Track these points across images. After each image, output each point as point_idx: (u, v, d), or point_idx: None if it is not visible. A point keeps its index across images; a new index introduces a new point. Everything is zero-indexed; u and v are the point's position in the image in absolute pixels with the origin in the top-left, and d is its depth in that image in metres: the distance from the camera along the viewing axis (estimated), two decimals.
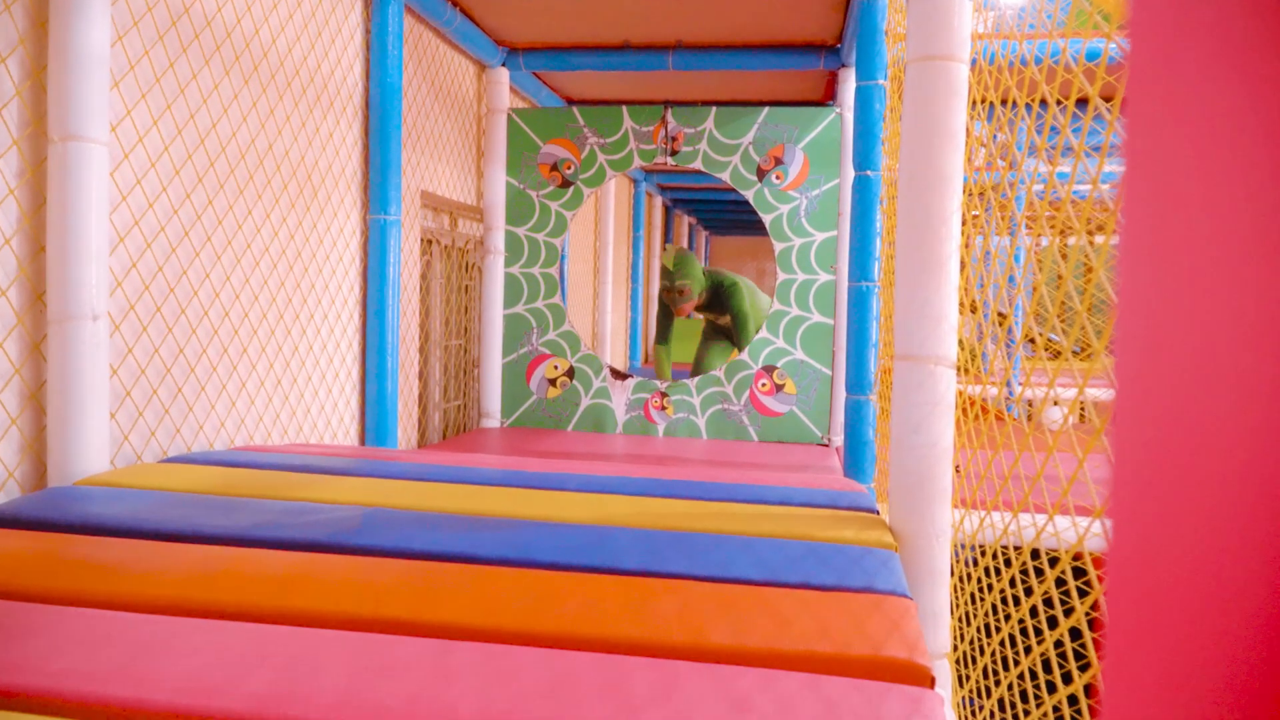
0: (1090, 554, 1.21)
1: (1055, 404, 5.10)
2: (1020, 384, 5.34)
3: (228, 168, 2.36)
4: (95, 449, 1.80)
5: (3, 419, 1.74)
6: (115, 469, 1.87)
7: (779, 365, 3.80)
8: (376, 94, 3.04)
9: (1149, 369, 0.37)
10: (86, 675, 1.00)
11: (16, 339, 1.76)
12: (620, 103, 4.87)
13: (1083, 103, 4.15)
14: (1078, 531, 1.54)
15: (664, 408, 3.92)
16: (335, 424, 2.98)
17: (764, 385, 3.82)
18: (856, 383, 3.04)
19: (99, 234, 1.78)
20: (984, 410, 1.87)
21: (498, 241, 4.00)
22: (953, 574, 1.75)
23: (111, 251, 1.94)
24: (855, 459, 3.02)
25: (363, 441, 3.13)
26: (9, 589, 1.26)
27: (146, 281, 2.07)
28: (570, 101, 5.16)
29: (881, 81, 2.90)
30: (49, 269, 1.76)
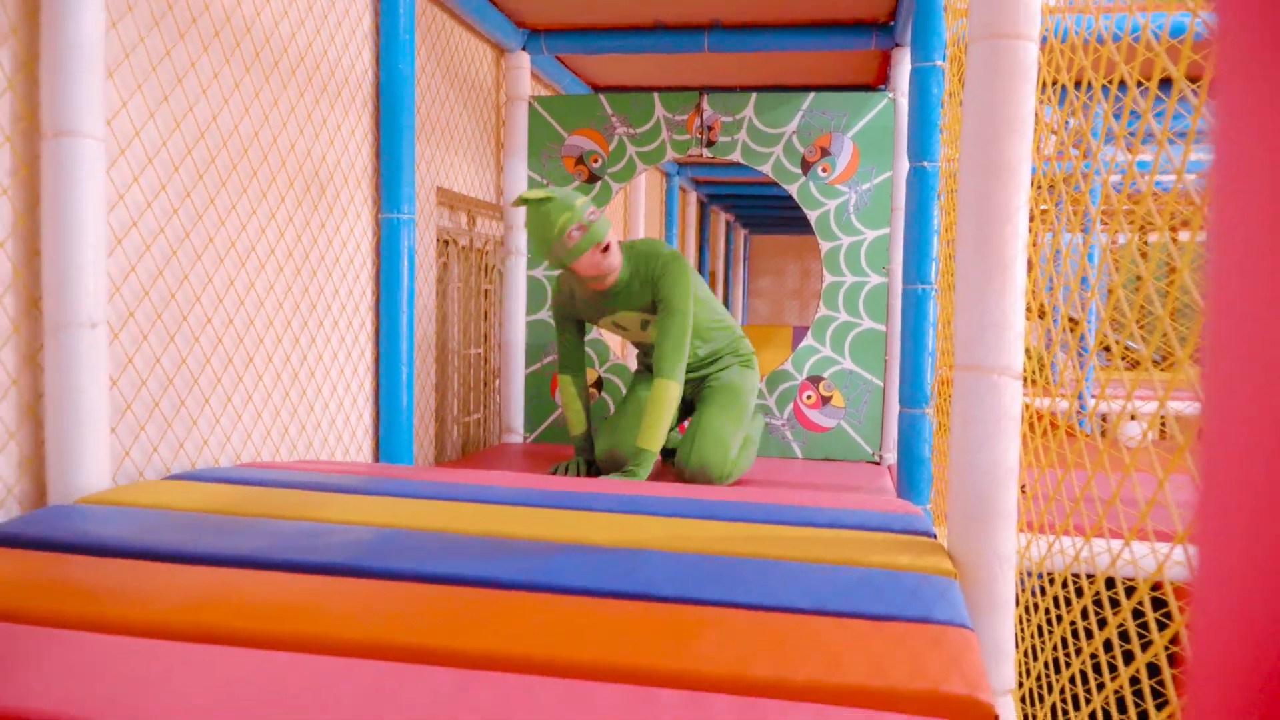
0: (1171, 584, 1.21)
1: (1133, 418, 5.06)
2: (1094, 396, 5.30)
3: (230, 164, 2.40)
4: (96, 465, 1.85)
5: (0, 434, 1.79)
6: (117, 486, 1.91)
7: (826, 375, 3.81)
8: (387, 82, 3.09)
9: (1240, 380, 0.36)
10: (84, 701, 1.04)
11: (13, 348, 1.81)
12: (652, 89, 4.89)
13: (1166, 84, 4.13)
14: (1157, 559, 1.54)
15: None
16: (347, 439, 3.02)
17: (809, 398, 3.82)
18: (911, 395, 3.04)
19: (96, 235, 1.83)
20: (1053, 425, 1.87)
21: (519, 241, 4.04)
22: (1018, 604, 1.75)
23: (110, 254, 1.99)
24: (910, 478, 3.02)
25: (376, 458, 3.17)
26: (6, 611, 1.30)
27: (146, 286, 2.12)
28: (597, 88, 5.19)
29: (940, 63, 2.90)
30: (45, 273, 1.81)
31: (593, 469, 3.25)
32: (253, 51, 2.49)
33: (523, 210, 4.01)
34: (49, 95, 1.79)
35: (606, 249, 2.90)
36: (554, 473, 3.14)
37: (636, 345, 3.40)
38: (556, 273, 4.03)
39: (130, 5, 2.06)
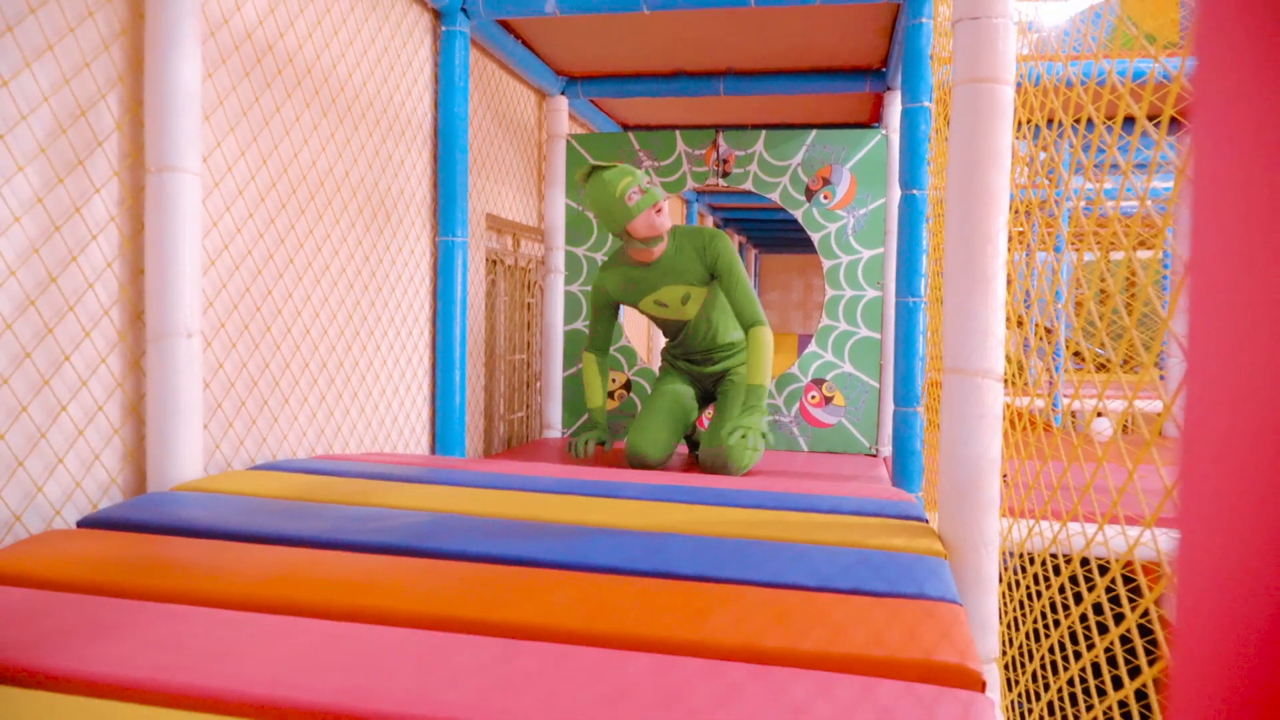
0: (1140, 563, 1.18)
1: (1100, 415, 5.00)
2: (1066, 396, 5.24)
3: (308, 194, 2.40)
4: (190, 457, 1.85)
5: (106, 429, 1.79)
6: (208, 475, 1.91)
7: (828, 378, 3.77)
8: (444, 123, 3.09)
9: (1220, 376, 0.36)
10: (176, 668, 1.03)
11: (119, 355, 1.82)
12: (673, 127, 4.87)
13: (1129, 122, 4.07)
14: (1127, 540, 1.51)
15: None
16: (407, 433, 3.02)
17: (813, 397, 3.79)
18: (904, 395, 3.01)
19: (193, 258, 1.83)
20: (1031, 422, 1.84)
21: (558, 261, 4.03)
22: (1001, 581, 1.72)
23: (204, 273, 1.99)
24: (903, 469, 2.98)
25: (432, 450, 3.16)
26: (109, 587, 1.29)
27: (235, 301, 2.12)
28: (626, 126, 5.18)
29: (927, 104, 2.87)
30: (147, 290, 1.82)
31: (603, 444, 3.15)
32: (329, 97, 2.49)
33: (561, 232, 4.00)
34: (153, 135, 1.79)
35: (659, 210, 2.85)
36: (570, 449, 3.07)
37: (670, 327, 3.20)
38: (590, 283, 4.02)
39: (224, 58, 2.07)
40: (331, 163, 2.52)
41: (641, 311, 3.11)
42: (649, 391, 3.94)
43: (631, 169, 2.87)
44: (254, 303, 2.19)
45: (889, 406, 3.64)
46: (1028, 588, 1.71)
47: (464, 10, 3.08)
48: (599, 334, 3.20)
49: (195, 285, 1.84)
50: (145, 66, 1.80)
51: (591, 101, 4.58)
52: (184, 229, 1.81)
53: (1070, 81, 1.50)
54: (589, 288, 4.01)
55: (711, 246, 2.93)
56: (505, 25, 3.38)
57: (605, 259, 3.19)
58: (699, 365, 3.26)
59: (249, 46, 2.16)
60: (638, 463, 3.09)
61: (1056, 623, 1.60)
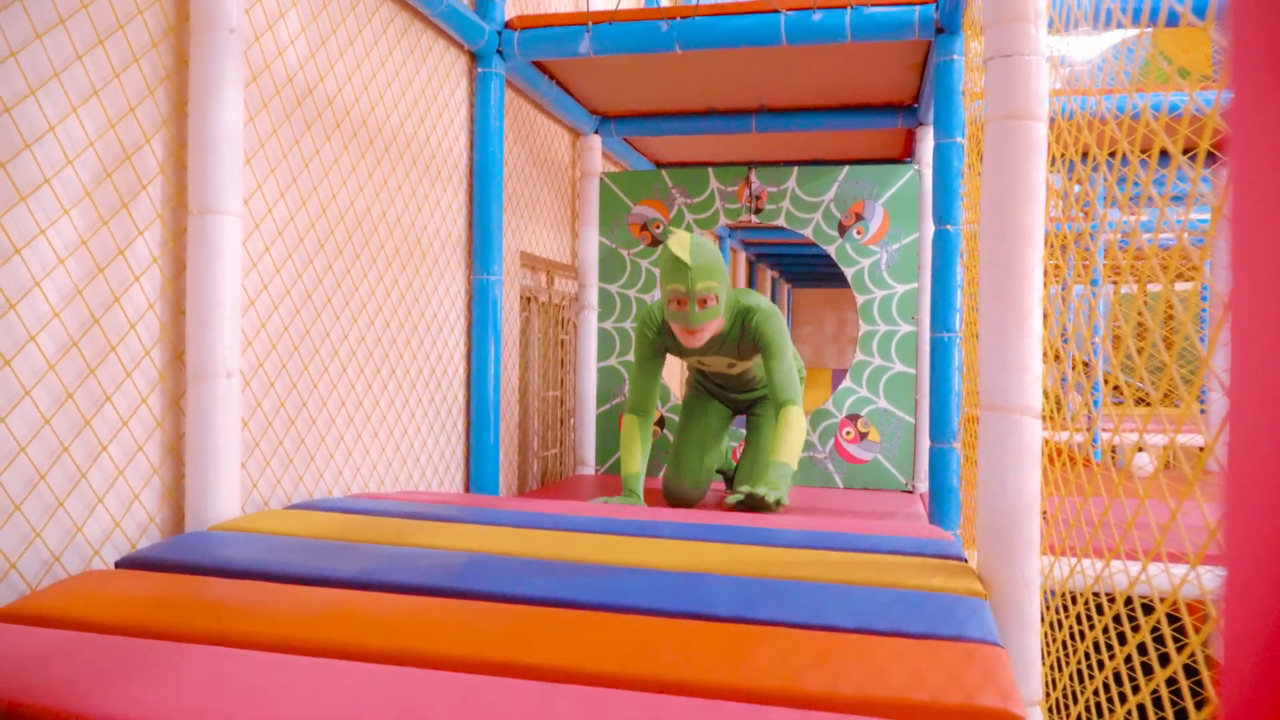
0: (1184, 601, 1.15)
1: (1140, 450, 4.91)
2: (1104, 430, 5.16)
3: (346, 234, 2.44)
4: (228, 496, 1.86)
5: (146, 469, 1.81)
6: (245, 515, 1.92)
7: (863, 414, 3.74)
8: (480, 162, 3.12)
9: (1263, 413, 0.35)
10: (215, 710, 1.03)
11: (159, 395, 1.84)
12: (706, 164, 4.90)
13: (1164, 155, 4.04)
14: (1171, 579, 1.47)
15: None
16: (442, 471, 3.02)
17: (848, 433, 3.76)
18: (940, 431, 2.98)
19: (233, 298, 1.85)
20: (1071, 459, 1.81)
21: (591, 298, 4.04)
22: (1042, 621, 1.69)
23: (244, 313, 2.02)
24: (940, 506, 2.95)
25: (467, 488, 3.17)
26: (147, 628, 1.30)
27: (274, 340, 2.15)
28: (659, 164, 5.21)
29: (959, 139, 2.86)
30: (188, 331, 1.84)
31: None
32: (367, 139, 2.53)
33: (594, 269, 4.02)
34: (196, 179, 1.83)
35: (692, 334, 2.71)
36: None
37: (709, 374, 3.15)
38: (629, 325, 4.03)
39: (265, 102, 2.11)
40: (369, 203, 2.55)
41: (685, 360, 3.01)
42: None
43: (689, 265, 2.59)
44: (292, 342, 2.22)
45: (925, 442, 3.60)
46: (1071, 628, 1.67)
47: (499, 52, 3.12)
48: (641, 390, 2.93)
49: (235, 325, 1.87)
50: (189, 111, 1.84)
51: (625, 140, 4.62)
52: (225, 270, 1.84)
53: (1104, 117, 1.49)
54: (623, 324, 4.02)
55: (760, 327, 2.79)
56: (540, 66, 3.43)
57: (656, 302, 2.91)
58: (732, 393, 3.21)
59: (290, 91, 2.20)
60: (676, 497, 3.04)
61: (1101, 664, 1.57)
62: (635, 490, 2.85)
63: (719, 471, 3.32)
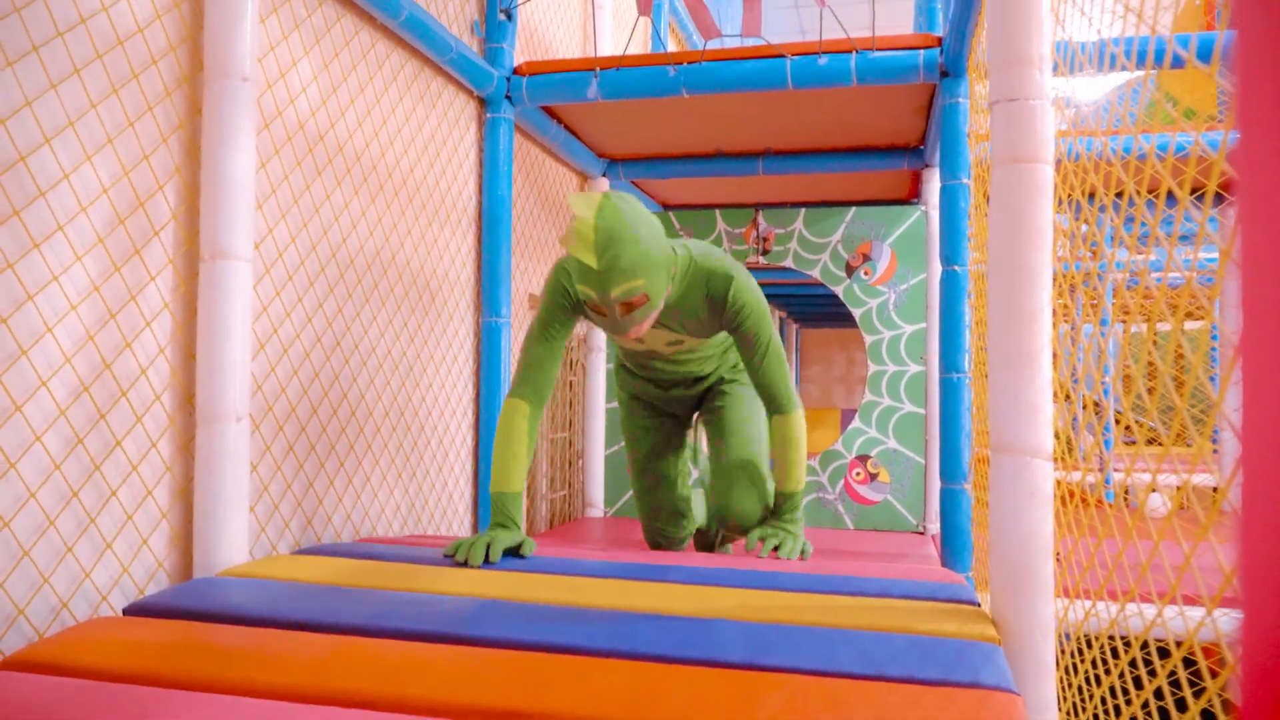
0: (1201, 644, 1.14)
1: (1153, 490, 4.87)
2: (1116, 470, 5.13)
3: (356, 278, 2.45)
4: (236, 542, 1.85)
5: (155, 514, 1.81)
6: (254, 560, 1.92)
7: (873, 454, 3.73)
8: (489, 206, 3.15)
9: (1276, 455, 0.35)
10: None
11: (169, 439, 1.84)
12: (713, 206, 4.93)
13: (1172, 195, 4.05)
14: (1186, 622, 1.45)
15: None
16: (450, 514, 3.01)
17: (858, 474, 3.74)
18: (950, 472, 2.96)
19: (243, 342, 1.86)
20: (1083, 500, 1.80)
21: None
22: (1058, 665, 1.66)
23: (254, 357, 2.03)
24: (952, 547, 2.92)
25: (475, 530, 3.15)
26: (155, 676, 1.29)
27: (283, 384, 2.15)
28: (666, 206, 5.25)
29: (965, 180, 2.87)
30: (198, 375, 1.85)
31: (518, 552, 2.04)
32: (378, 184, 2.56)
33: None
34: (208, 224, 1.84)
35: (629, 336, 1.99)
36: (450, 553, 1.98)
37: (637, 358, 2.40)
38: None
39: (277, 148, 2.13)
40: (379, 246, 2.57)
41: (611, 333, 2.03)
42: (692, 472, 3.90)
43: (594, 269, 1.84)
44: (301, 385, 2.22)
45: (935, 483, 3.58)
46: (1086, 672, 1.65)
47: (508, 98, 3.16)
48: (535, 364, 2.07)
49: (245, 369, 1.87)
50: (202, 157, 1.86)
51: (633, 183, 4.66)
52: (235, 314, 1.85)
53: (1109, 159, 1.50)
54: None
55: (733, 299, 2.05)
56: (548, 111, 3.46)
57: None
58: (675, 389, 2.50)
59: (301, 136, 2.23)
60: (664, 545, 2.62)
61: (1118, 709, 1.54)
62: (513, 517, 2.08)
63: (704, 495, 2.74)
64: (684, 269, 2.10)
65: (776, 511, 2.26)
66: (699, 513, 2.70)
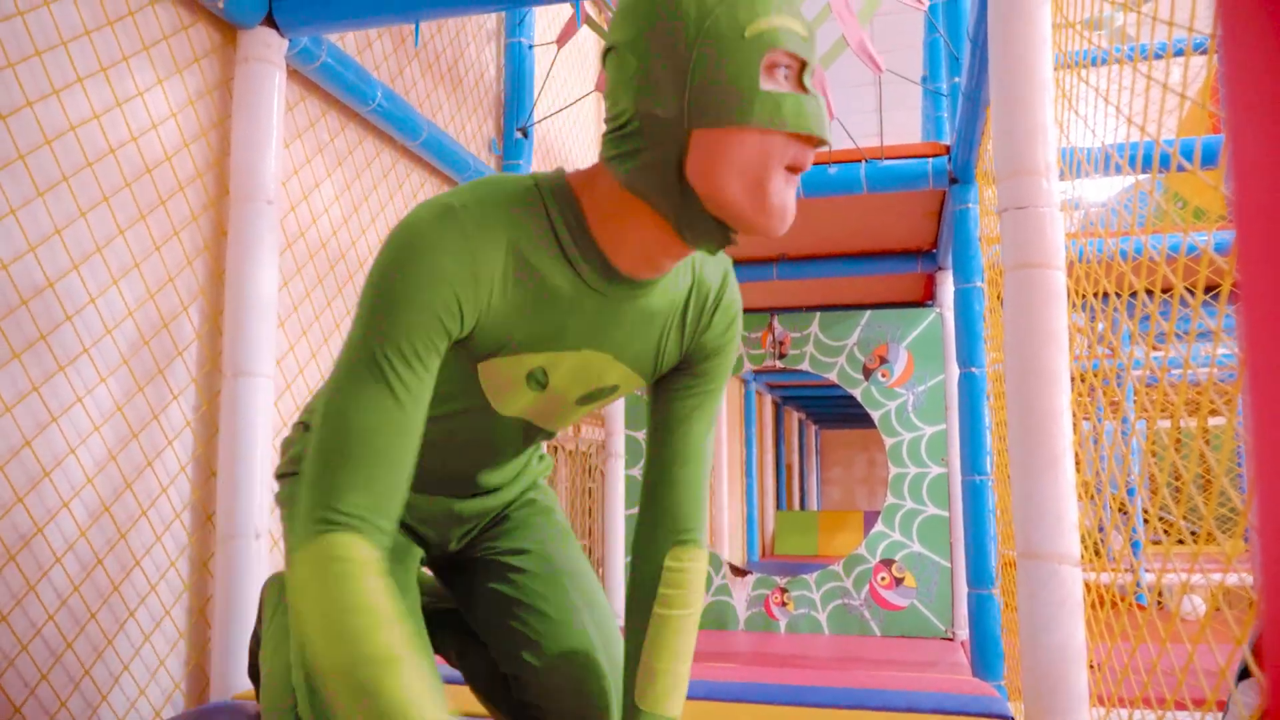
0: None
1: (1185, 593, 4.74)
2: (1148, 571, 5.01)
3: None
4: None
5: (172, 634, 1.79)
6: None
7: (897, 558, 3.67)
8: None
9: None
10: None
11: (187, 558, 1.84)
12: None
13: (1187, 290, 4.06)
14: None
15: (785, 603, 3.79)
16: None
17: (883, 579, 3.68)
18: (977, 577, 2.90)
19: (264, 458, 1.87)
20: (1114, 605, 1.75)
21: (619, 445, 4.04)
22: None
23: (273, 473, 2.04)
24: (983, 655, 2.84)
25: None
26: None
27: None
28: None
29: (979, 283, 2.89)
30: (219, 491, 1.85)
31: None
32: None
33: (621, 416, 4.02)
34: (230, 343, 1.87)
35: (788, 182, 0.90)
36: None
37: (530, 426, 1.12)
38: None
39: (299, 267, 2.18)
40: None
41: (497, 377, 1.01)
42: (714, 580, 3.83)
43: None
44: None
45: (962, 587, 3.50)
46: None
47: None
48: (380, 451, 0.87)
49: (265, 486, 1.88)
50: (226, 279, 1.90)
51: None
52: (257, 430, 1.86)
53: (1120, 261, 1.51)
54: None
55: (730, 300, 1.11)
56: None
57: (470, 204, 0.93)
58: (462, 524, 1.28)
59: (323, 255, 2.28)
60: None
61: None
62: None
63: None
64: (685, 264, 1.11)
65: None
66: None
